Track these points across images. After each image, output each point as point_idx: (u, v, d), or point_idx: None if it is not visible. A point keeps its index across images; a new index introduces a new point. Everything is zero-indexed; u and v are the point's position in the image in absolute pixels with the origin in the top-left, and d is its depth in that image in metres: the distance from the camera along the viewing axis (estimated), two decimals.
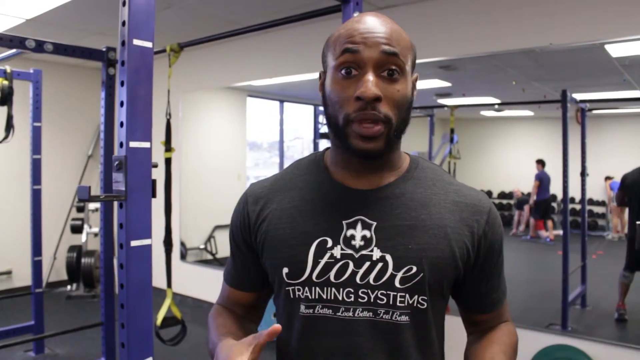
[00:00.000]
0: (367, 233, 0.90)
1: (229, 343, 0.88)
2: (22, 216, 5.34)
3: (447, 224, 0.91)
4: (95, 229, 5.57)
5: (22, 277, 5.50)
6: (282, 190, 0.99)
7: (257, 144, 8.68)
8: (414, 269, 0.88)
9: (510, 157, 9.71)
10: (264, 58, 4.64)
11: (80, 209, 5.56)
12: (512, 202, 9.67)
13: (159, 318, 2.63)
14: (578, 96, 4.62)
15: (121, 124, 1.26)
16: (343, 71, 0.88)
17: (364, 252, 0.89)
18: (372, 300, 0.89)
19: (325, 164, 0.99)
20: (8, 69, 3.49)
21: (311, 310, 0.91)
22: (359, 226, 0.91)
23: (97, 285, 5.56)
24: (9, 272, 5.55)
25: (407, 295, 0.88)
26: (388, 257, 0.88)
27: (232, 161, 6.22)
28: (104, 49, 3.03)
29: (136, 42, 1.25)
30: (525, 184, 10.50)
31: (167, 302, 2.71)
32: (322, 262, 0.90)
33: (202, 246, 5.76)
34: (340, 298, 0.90)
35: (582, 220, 5.12)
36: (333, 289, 0.90)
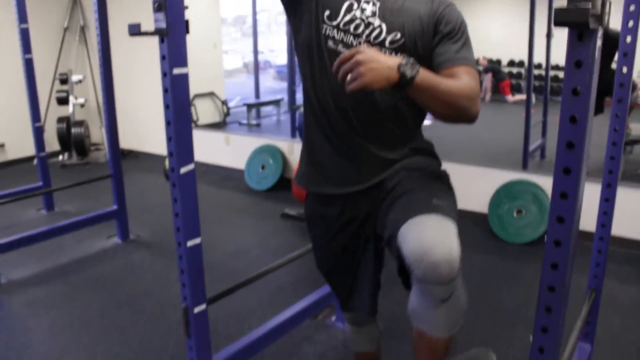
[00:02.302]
0: (374, 9, 1.34)
1: None
2: (10, 89, 5.45)
3: (420, 9, 1.34)
4: (81, 100, 5.72)
5: (15, 150, 5.72)
6: None
7: (222, 19, 8.57)
8: (399, 34, 1.32)
9: (483, 25, 9.82)
10: None
11: (63, 82, 5.65)
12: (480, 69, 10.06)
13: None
14: None
15: None
16: None
17: (370, 19, 1.33)
18: None
19: None
20: None
21: (335, 47, 1.35)
22: (370, 3, 1.35)
23: (89, 153, 5.84)
24: (1, 145, 5.73)
25: (393, 53, 1.32)
26: (383, 26, 1.33)
27: (207, 32, 6.30)
28: None
29: None
30: (492, 50, 10.72)
31: None
32: (348, 17, 1.35)
33: None
34: (354, 44, 1.34)
35: (545, 81, 5.46)
36: (350, 37, 1.35)
